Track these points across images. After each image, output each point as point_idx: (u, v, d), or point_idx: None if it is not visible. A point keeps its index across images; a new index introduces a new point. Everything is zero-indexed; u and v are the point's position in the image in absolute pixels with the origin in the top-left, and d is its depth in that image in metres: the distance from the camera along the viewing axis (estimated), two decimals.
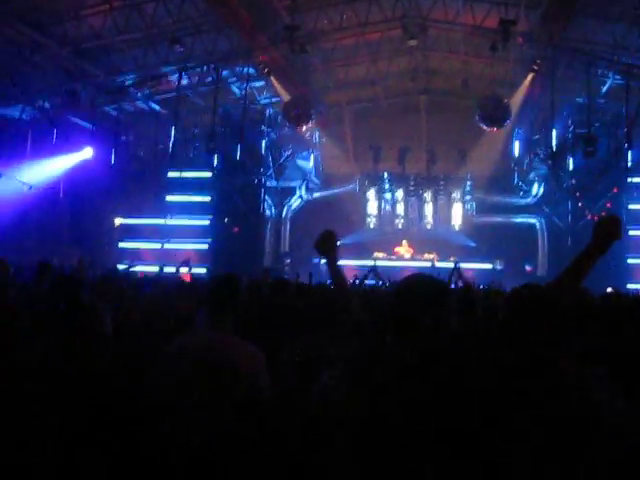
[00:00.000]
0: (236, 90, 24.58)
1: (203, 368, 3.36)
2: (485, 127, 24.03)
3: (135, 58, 21.40)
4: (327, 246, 3.82)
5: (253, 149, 25.08)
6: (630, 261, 22.87)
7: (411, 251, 28.77)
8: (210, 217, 24.55)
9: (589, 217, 23.45)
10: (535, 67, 21.94)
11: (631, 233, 23.08)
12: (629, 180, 22.91)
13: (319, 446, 2.37)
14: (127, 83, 22.50)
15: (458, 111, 26.42)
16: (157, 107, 24.43)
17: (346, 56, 24.04)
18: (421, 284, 2.92)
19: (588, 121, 21.65)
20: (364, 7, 21.15)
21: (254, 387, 3.40)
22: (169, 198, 24.43)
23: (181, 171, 24.32)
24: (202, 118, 24.36)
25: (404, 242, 29.02)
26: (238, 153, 23.72)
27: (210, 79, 22.78)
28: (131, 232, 24.37)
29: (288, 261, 26.53)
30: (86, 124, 22.84)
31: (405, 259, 28.18)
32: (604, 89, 22.72)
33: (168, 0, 18.77)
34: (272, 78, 23.32)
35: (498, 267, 26.38)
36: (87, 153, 22.57)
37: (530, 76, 22.66)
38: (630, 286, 20.18)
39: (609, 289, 14.96)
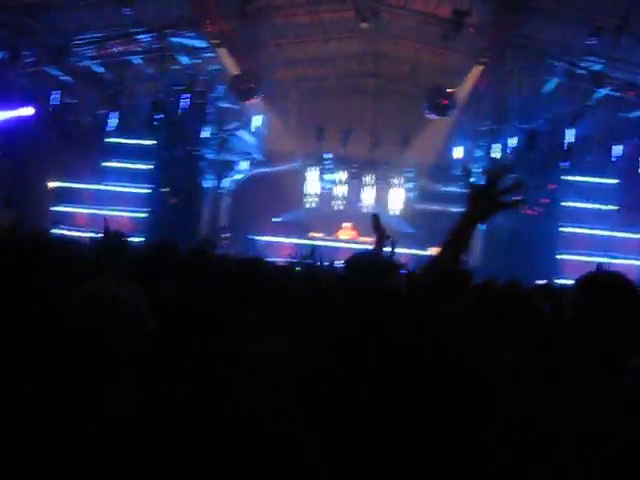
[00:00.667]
0: (184, 59, 24.14)
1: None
2: (430, 115, 24.18)
3: (81, 19, 20.83)
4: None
5: (197, 120, 24.72)
6: (559, 257, 23.45)
7: (354, 233, 28.81)
8: (150, 186, 24.25)
9: (524, 211, 23.91)
10: (484, 60, 22.12)
11: (562, 230, 23.72)
12: (565, 178, 23.43)
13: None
14: (72, 44, 21.91)
15: (405, 98, 26.53)
16: (102, 70, 23.85)
17: (298, 34, 23.89)
18: (367, 258, 3.01)
19: (532, 117, 22.02)
20: None
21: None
22: (108, 164, 24.02)
23: (122, 138, 23.92)
24: (147, 85, 23.94)
25: (349, 224, 29.04)
26: (181, 123, 23.41)
27: (157, 46, 22.34)
28: (66, 196, 23.91)
29: (226, 236, 26.30)
30: (26, 83, 22.22)
31: (343, 241, 28.22)
32: (550, 87, 23.08)
33: None
34: (221, 50, 22.97)
35: (434, 254, 26.61)
36: (26, 112, 21.97)
37: (478, 68, 22.85)
38: (559, 281, 20.67)
39: (538, 282, 15.30)
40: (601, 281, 2.49)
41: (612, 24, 17.16)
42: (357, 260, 3.04)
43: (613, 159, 23.23)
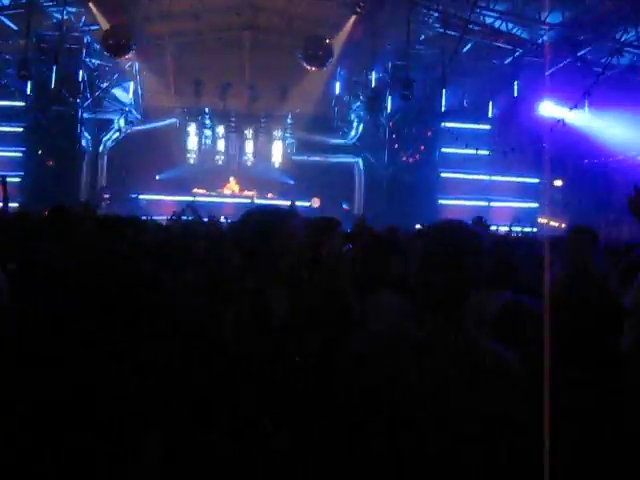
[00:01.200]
0: (53, 15, 23.22)
1: None
2: (307, 66, 24.28)
3: None
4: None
5: (69, 78, 23.86)
6: (441, 202, 24.19)
7: (238, 188, 28.79)
8: (22, 149, 23.40)
9: (404, 159, 24.51)
10: (358, 9, 22.33)
11: (443, 175, 24.43)
12: (442, 125, 24.05)
13: None
14: None
15: (281, 49, 26.39)
16: None
17: None
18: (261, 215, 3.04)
19: (406, 66, 22.40)
20: None
21: None
22: None
23: None
24: (15, 43, 22.92)
25: (231, 179, 28.98)
26: (53, 82, 22.62)
27: (24, 1, 21.39)
28: None
29: (107, 196, 25.75)
30: None
31: (225, 195, 28.17)
32: (423, 36, 23.56)
33: None
34: (91, 4, 22.26)
35: (315, 205, 26.93)
36: None
37: (353, 18, 23.05)
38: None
39: (418, 226, 15.83)
40: (444, 227, 2.73)
41: None
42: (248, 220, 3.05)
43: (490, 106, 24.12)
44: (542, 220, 22.70)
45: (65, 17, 22.19)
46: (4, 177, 6.99)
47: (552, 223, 21.65)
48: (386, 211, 22.88)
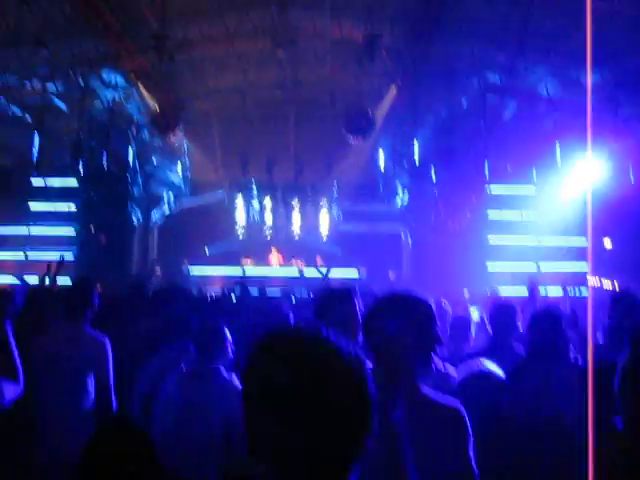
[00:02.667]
0: (103, 96, 24.07)
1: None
2: (351, 138, 24.60)
3: None
4: None
5: (120, 157, 24.60)
6: (489, 268, 23.98)
7: (280, 258, 29.01)
8: (75, 226, 23.98)
9: (450, 226, 24.48)
10: (399, 81, 22.68)
11: (490, 240, 24.28)
12: (488, 190, 24.01)
13: None
14: None
15: (325, 121, 26.87)
16: (20, 112, 23.56)
17: (215, 65, 24.04)
18: None
19: (449, 134, 22.59)
20: (233, 17, 21.28)
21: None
22: (32, 206, 23.68)
23: (45, 178, 23.63)
24: (68, 124, 23.75)
25: (273, 249, 29.24)
26: (104, 161, 23.31)
27: (76, 85, 22.22)
28: None
29: (157, 270, 26.16)
30: None
31: (273, 266, 28.37)
32: (464, 103, 23.79)
33: (33, 2, 18.19)
34: (139, 85, 23.03)
35: (363, 275, 27.00)
36: None
37: (394, 89, 23.40)
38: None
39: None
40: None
41: (516, 40, 17.88)
42: None
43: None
44: (593, 280, 22.32)
45: (115, 98, 22.92)
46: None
47: (603, 283, 21.31)
48: (434, 278, 22.78)
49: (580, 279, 21.21)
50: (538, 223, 23.04)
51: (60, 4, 18.47)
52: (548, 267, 23.61)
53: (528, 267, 23.53)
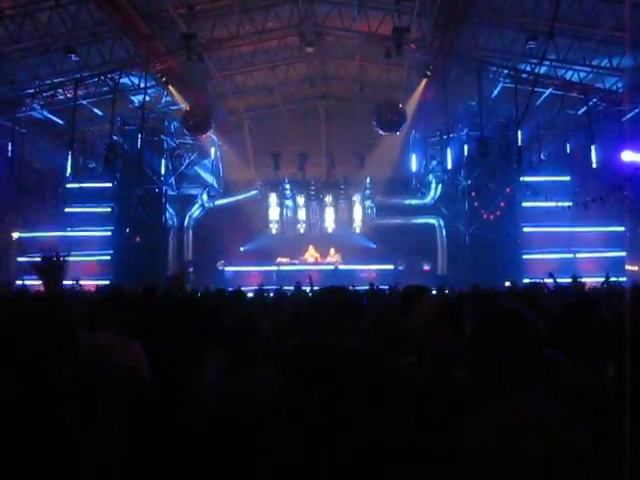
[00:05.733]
0: (134, 99, 24.29)
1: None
2: (382, 132, 24.53)
3: (29, 68, 20.91)
4: None
5: (153, 158, 24.82)
6: (525, 257, 23.82)
7: (318, 255, 29.11)
8: (111, 228, 24.25)
9: (485, 216, 24.32)
10: (428, 73, 22.55)
11: (525, 230, 24.09)
12: (521, 179, 23.78)
13: None
14: (21, 93, 21.93)
15: (356, 116, 26.85)
16: (54, 117, 23.86)
17: (244, 63, 24.15)
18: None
19: (480, 124, 22.39)
20: (261, 15, 21.35)
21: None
22: (69, 210, 24.02)
23: (80, 182, 23.91)
24: (101, 127, 24.04)
25: (311, 247, 29.33)
26: (138, 162, 23.52)
27: (107, 88, 22.45)
28: (30, 246, 23.80)
29: (191, 269, 26.35)
30: None
31: (309, 263, 28.47)
32: (495, 93, 23.61)
33: (62, 8, 18.41)
34: (170, 87, 23.19)
35: (400, 267, 26.97)
36: None
37: (424, 81, 23.27)
38: (526, 280, 20.98)
39: (507, 283, 15.62)
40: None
41: (547, 27, 17.62)
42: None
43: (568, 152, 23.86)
44: (631, 268, 22.05)
45: (146, 100, 23.09)
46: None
47: None
48: (469, 269, 22.69)
49: (617, 266, 21.01)
50: (574, 211, 22.78)
51: (89, 9, 18.64)
52: (584, 255, 23.45)
53: (564, 255, 23.37)
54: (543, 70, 21.21)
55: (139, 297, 7.20)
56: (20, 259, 23.60)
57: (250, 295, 12.93)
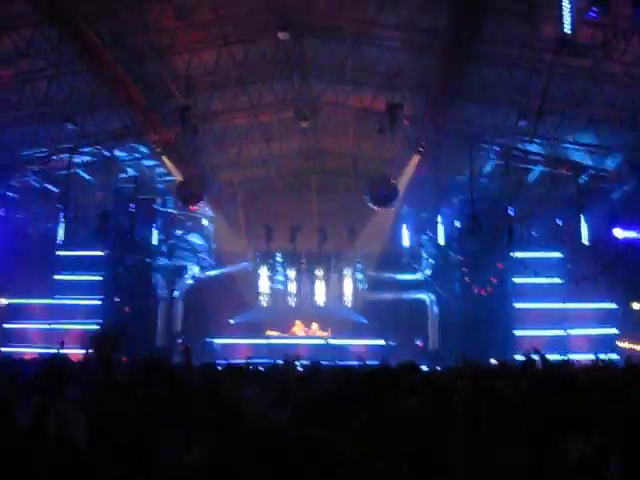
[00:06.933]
0: (129, 169, 24.41)
1: None
2: (374, 206, 24.64)
3: (25, 134, 21.04)
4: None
5: (145, 228, 24.79)
6: (517, 333, 23.64)
7: (305, 329, 28.89)
8: (101, 297, 24.05)
9: (476, 292, 24.24)
10: (420, 148, 22.78)
11: (517, 306, 23.96)
12: (512, 255, 23.78)
13: None
14: (17, 160, 22.01)
15: (348, 190, 27.06)
16: (47, 184, 23.89)
17: (239, 136, 24.39)
18: None
19: (472, 199, 22.50)
20: (256, 89, 21.69)
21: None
22: (58, 277, 23.86)
23: (71, 250, 23.85)
24: (94, 196, 24.09)
25: (297, 322, 29.12)
26: (130, 232, 23.51)
27: (102, 157, 22.59)
28: (17, 312, 23.60)
29: (180, 341, 26.08)
30: None
31: (300, 337, 28.23)
32: (486, 169, 23.83)
33: (61, 77, 18.62)
34: (164, 157, 23.33)
35: (391, 342, 26.71)
36: None
37: (416, 157, 23.49)
38: (518, 357, 20.76)
39: (493, 361, 15.47)
40: None
41: (536, 105, 17.93)
42: None
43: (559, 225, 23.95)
44: (623, 345, 21.94)
45: (140, 170, 23.21)
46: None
47: (635, 347, 20.97)
48: (461, 345, 22.49)
49: (609, 343, 20.90)
50: (565, 288, 22.80)
51: (87, 79, 18.88)
52: (576, 331, 23.34)
53: (555, 332, 23.25)
54: (534, 148, 21.47)
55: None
56: (7, 325, 23.38)
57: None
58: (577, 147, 21.51)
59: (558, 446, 3.18)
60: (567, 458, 3.21)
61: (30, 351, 20.31)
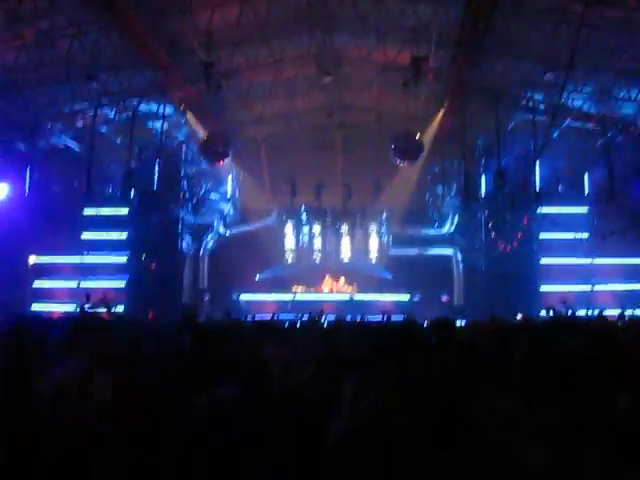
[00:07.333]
0: (153, 126, 24.38)
1: None
2: (399, 161, 24.50)
3: (49, 94, 21.07)
4: None
5: (170, 185, 24.81)
6: (542, 288, 23.51)
7: (334, 284, 28.97)
8: (127, 254, 24.20)
9: (502, 248, 24.10)
10: (445, 103, 22.56)
11: (542, 261, 23.78)
12: (538, 211, 23.55)
13: None
14: (41, 119, 22.08)
15: (373, 146, 26.82)
16: (72, 143, 24.00)
17: (262, 92, 24.20)
18: None
19: (498, 155, 22.30)
20: (279, 45, 21.48)
21: None
22: (85, 235, 24.03)
23: (98, 208, 23.98)
24: (119, 154, 24.13)
25: (327, 276, 29.20)
26: (155, 189, 23.57)
27: (126, 115, 22.59)
28: (46, 270, 23.82)
29: (207, 298, 26.31)
30: None
31: (324, 292, 28.36)
32: (512, 123, 23.51)
33: (83, 36, 18.54)
34: (188, 114, 23.31)
35: (416, 298, 26.71)
36: (1, 190, 22.15)
37: (441, 112, 23.27)
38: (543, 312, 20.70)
39: (519, 316, 15.46)
40: None
41: (564, 59, 17.57)
42: None
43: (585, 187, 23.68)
44: None
45: (164, 127, 23.18)
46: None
47: None
48: (486, 301, 22.49)
49: (635, 299, 20.74)
50: (592, 243, 22.56)
51: (109, 37, 18.77)
52: (602, 287, 23.15)
53: (582, 287, 23.09)
54: (558, 101, 21.13)
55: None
56: (36, 284, 23.62)
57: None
58: (606, 100, 21.11)
59: (602, 399, 3.17)
60: (612, 411, 3.20)
61: (58, 309, 20.57)
